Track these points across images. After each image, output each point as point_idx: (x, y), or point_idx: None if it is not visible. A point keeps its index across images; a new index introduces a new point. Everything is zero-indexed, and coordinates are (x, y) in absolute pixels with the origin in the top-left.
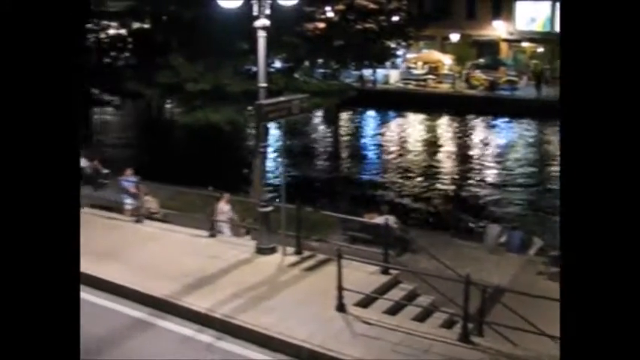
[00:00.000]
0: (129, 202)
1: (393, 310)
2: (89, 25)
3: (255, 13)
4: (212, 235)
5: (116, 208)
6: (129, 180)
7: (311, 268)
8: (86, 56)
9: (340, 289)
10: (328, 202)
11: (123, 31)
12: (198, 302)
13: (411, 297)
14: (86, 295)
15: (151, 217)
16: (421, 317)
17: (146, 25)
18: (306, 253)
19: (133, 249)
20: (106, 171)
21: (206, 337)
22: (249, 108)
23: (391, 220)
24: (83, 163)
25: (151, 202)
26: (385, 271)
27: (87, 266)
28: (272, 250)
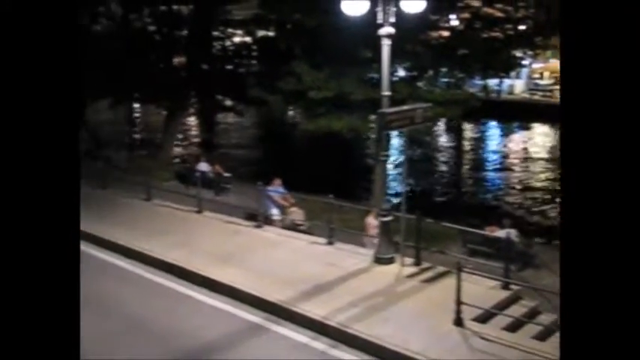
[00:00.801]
0: (275, 213)
1: (513, 326)
2: (216, 33)
3: (379, 21)
4: (330, 243)
5: (255, 215)
6: (277, 190)
7: (429, 280)
8: (211, 63)
9: (459, 302)
10: (448, 213)
11: (248, 39)
12: (313, 309)
13: (532, 314)
14: (206, 297)
15: (296, 228)
16: (542, 336)
17: (270, 33)
18: (425, 265)
19: (252, 254)
20: (227, 175)
21: (320, 344)
22: (372, 116)
23: (513, 233)
24: (205, 167)
25: (297, 214)
26: (505, 287)
27: (208, 269)
28: (390, 260)
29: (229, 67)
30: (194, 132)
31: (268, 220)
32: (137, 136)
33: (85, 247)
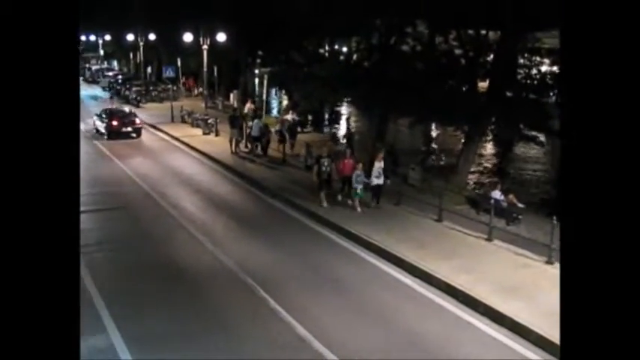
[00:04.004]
0: None
1: None
2: (522, 60)
3: None
4: None
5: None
6: None
7: None
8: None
9: None
10: None
11: (555, 69)
12: None
13: None
14: (486, 327)
15: None
16: None
17: None
18: None
19: (540, 290)
20: (521, 206)
21: None
22: None
23: None
24: (498, 195)
25: None
26: None
27: (493, 300)
28: None
29: (533, 96)
30: (489, 158)
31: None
32: (433, 157)
33: (371, 259)
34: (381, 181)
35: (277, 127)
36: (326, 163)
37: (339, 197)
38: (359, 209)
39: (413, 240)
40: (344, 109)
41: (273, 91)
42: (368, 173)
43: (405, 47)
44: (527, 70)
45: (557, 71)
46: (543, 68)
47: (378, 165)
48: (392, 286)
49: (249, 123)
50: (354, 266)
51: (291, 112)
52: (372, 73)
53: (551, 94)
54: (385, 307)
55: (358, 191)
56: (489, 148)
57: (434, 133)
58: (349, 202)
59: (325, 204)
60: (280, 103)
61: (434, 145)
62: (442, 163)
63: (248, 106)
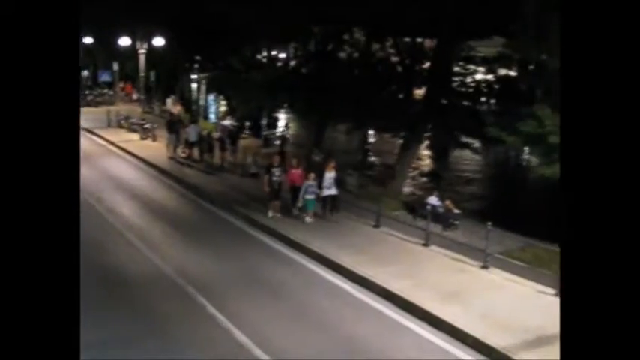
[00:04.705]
0: None
1: None
2: (457, 69)
3: None
4: (558, 295)
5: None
6: None
7: None
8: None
9: None
10: None
11: (489, 77)
12: None
13: None
14: (424, 332)
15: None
16: None
17: (512, 73)
18: None
19: (476, 294)
20: (457, 212)
21: None
22: None
23: None
24: (435, 201)
25: None
26: None
27: (430, 304)
28: None
29: (468, 103)
30: (425, 165)
31: None
32: (370, 163)
33: (311, 265)
34: (333, 191)
35: (218, 135)
36: (277, 173)
37: (295, 211)
38: (308, 220)
39: (351, 246)
40: (282, 115)
41: (211, 96)
42: (319, 184)
43: (342, 54)
44: (462, 78)
45: (492, 79)
46: (478, 76)
47: (329, 175)
48: (331, 292)
49: (186, 128)
50: (293, 272)
51: (228, 117)
52: (309, 80)
53: (485, 101)
54: (324, 312)
55: (303, 203)
56: (426, 155)
57: (371, 140)
58: (301, 214)
59: (271, 214)
60: (218, 108)
61: (371, 152)
62: (379, 169)
63: (178, 109)
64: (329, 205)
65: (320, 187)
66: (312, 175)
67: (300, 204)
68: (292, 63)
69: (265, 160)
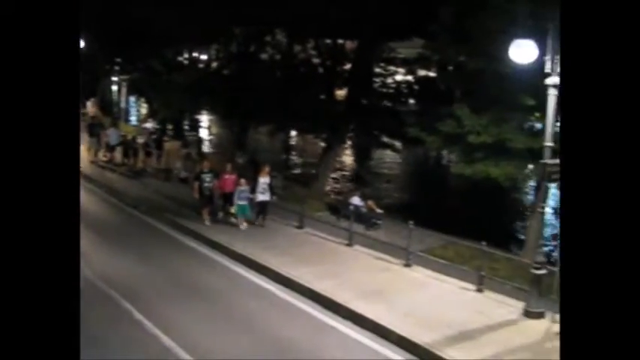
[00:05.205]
0: None
1: None
2: (377, 70)
3: (547, 70)
4: (479, 290)
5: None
6: None
7: None
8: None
9: None
10: None
11: (409, 78)
12: (457, 356)
13: None
14: (350, 330)
15: None
16: None
17: (432, 74)
18: None
19: (400, 292)
20: (379, 211)
21: None
22: (530, 166)
23: None
24: (357, 201)
25: None
26: None
27: (355, 303)
28: (540, 315)
29: (389, 104)
30: (348, 165)
31: None
32: (293, 164)
33: (236, 268)
34: (266, 197)
35: (143, 139)
36: (208, 179)
37: (220, 215)
38: (243, 226)
39: (276, 248)
40: (205, 117)
41: (132, 98)
42: (252, 188)
43: (264, 56)
44: (382, 79)
45: (412, 80)
46: (398, 77)
47: (263, 180)
48: (257, 294)
49: (107, 131)
50: (218, 275)
51: (150, 120)
52: (231, 81)
53: (405, 101)
54: (251, 314)
55: (236, 208)
56: (349, 155)
57: (293, 141)
58: (233, 219)
59: (208, 222)
60: (139, 111)
61: (294, 153)
62: (302, 170)
63: (94, 111)
64: (260, 210)
65: (253, 191)
66: (243, 181)
67: (233, 210)
68: (214, 65)
69: (194, 165)
